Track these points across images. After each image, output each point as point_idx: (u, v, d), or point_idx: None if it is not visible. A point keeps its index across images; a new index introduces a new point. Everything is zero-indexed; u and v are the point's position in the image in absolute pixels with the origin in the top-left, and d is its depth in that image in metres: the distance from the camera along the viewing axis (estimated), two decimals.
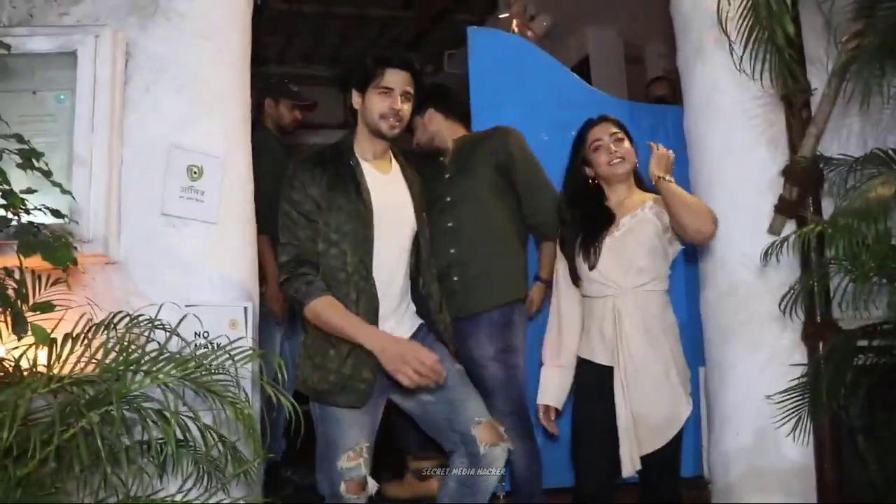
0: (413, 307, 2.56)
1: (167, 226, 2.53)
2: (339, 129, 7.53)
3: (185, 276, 2.52)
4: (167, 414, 1.59)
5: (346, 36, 6.91)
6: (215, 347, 1.90)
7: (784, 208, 2.78)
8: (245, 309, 2.57)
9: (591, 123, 2.78)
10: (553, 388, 2.74)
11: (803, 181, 2.74)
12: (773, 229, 2.81)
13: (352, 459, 2.32)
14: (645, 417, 2.55)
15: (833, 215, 2.53)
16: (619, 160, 2.70)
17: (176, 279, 2.50)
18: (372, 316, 2.37)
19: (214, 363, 1.83)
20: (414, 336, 2.49)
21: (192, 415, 1.79)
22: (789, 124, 2.85)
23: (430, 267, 2.63)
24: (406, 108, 2.50)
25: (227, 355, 1.83)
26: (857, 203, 2.30)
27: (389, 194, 2.51)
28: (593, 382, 2.64)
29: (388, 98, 2.46)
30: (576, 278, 2.70)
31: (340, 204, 2.40)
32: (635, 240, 2.64)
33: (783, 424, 2.68)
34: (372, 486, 2.35)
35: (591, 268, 2.64)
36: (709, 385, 3.04)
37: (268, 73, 3.68)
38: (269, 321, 3.56)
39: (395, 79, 2.47)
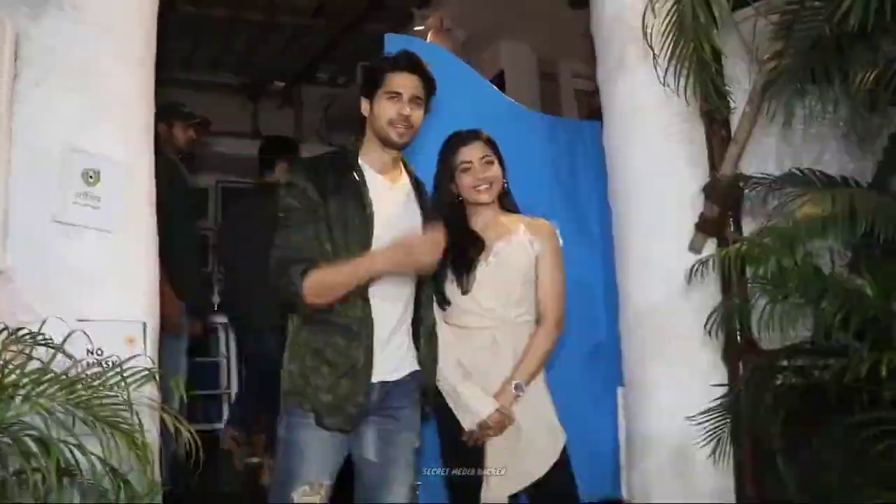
0: (411, 343, 2.40)
1: (60, 234, 2.30)
2: (248, 138, 7.32)
3: (79, 288, 2.30)
4: (49, 443, 1.40)
5: (255, 43, 6.70)
6: (106, 367, 1.71)
7: (705, 226, 2.76)
8: (143, 325, 2.37)
9: (461, 140, 2.63)
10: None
11: (724, 199, 2.72)
12: (694, 247, 2.78)
13: (308, 495, 2.17)
14: (521, 450, 2.45)
15: (755, 234, 2.50)
16: (485, 186, 2.57)
17: (68, 292, 2.28)
18: (368, 340, 2.22)
19: (107, 384, 1.64)
20: (401, 384, 2.34)
21: (79, 442, 1.61)
22: (710, 142, 2.85)
23: (428, 290, 2.46)
24: (417, 114, 2.33)
25: (120, 376, 1.64)
26: (783, 223, 2.27)
27: (398, 208, 2.37)
28: None
29: (396, 103, 2.31)
30: (441, 301, 2.56)
31: (337, 216, 2.24)
32: (512, 269, 2.54)
33: (704, 446, 2.64)
34: None
35: (465, 293, 2.52)
36: (628, 405, 2.98)
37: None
38: (172, 337, 3.38)
39: (404, 82, 2.32)
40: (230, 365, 5.47)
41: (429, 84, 2.39)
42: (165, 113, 3.70)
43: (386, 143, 2.34)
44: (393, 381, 2.32)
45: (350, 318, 2.22)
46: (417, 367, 2.40)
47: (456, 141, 2.64)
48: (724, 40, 2.78)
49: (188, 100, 4.25)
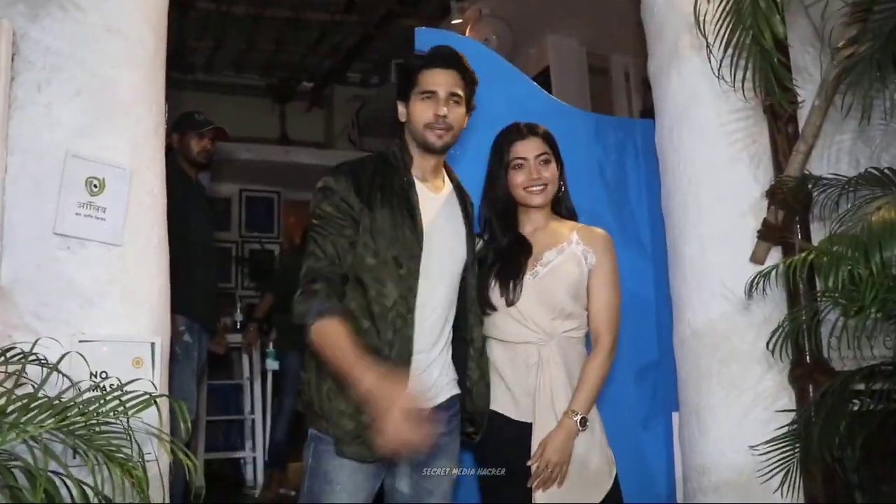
0: (450, 364, 2.39)
1: (61, 248, 2.30)
2: (277, 144, 7.39)
3: (82, 306, 2.30)
4: (35, 474, 1.39)
5: (282, 41, 6.77)
6: (105, 390, 1.70)
7: (768, 234, 2.68)
8: (152, 345, 2.37)
9: (517, 133, 2.59)
10: None
11: (790, 203, 2.64)
12: (756, 257, 2.70)
13: None
14: (570, 480, 2.39)
15: (825, 242, 2.42)
16: (539, 188, 2.54)
17: (70, 310, 2.28)
18: (404, 363, 2.19)
19: (103, 409, 1.63)
20: (439, 410, 2.32)
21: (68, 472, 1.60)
22: (774, 140, 2.77)
23: (476, 308, 2.45)
24: (456, 113, 2.33)
25: (118, 401, 1.63)
26: (856, 228, 2.19)
27: (441, 218, 2.35)
28: (508, 439, 2.45)
29: (432, 103, 2.30)
30: (485, 305, 2.52)
31: (383, 227, 2.23)
32: (562, 280, 2.49)
33: (770, 478, 2.56)
34: None
35: (510, 304, 2.47)
36: (683, 432, 2.92)
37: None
38: (189, 359, 3.40)
39: (439, 80, 2.31)
40: (254, 388, 5.48)
41: (468, 79, 2.37)
42: (177, 122, 3.80)
43: (425, 147, 2.33)
44: (430, 408, 2.28)
45: (382, 342, 2.19)
46: (457, 391, 2.37)
47: (511, 134, 2.60)
48: (791, 26, 2.72)
49: (211, 103, 4.32)
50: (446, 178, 2.47)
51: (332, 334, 2.11)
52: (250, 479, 5.46)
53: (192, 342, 3.60)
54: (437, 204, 2.38)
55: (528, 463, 2.38)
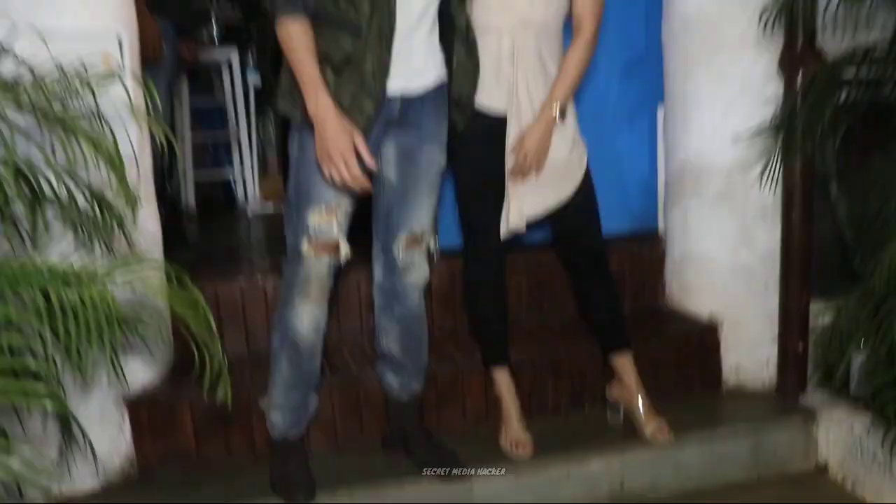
0: (438, 46, 2.33)
1: None
2: None
3: None
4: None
5: None
6: (67, 74, 1.70)
7: None
8: (119, 40, 2.37)
9: None
10: None
11: None
12: None
13: (322, 217, 2.22)
14: (544, 173, 2.46)
15: None
16: None
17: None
18: (386, 39, 2.15)
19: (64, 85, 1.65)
20: (426, 99, 2.31)
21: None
22: None
23: None
24: None
25: (79, 79, 1.66)
26: None
27: None
28: (481, 132, 2.47)
29: None
30: None
31: None
32: None
33: (752, 168, 2.68)
34: (345, 251, 2.26)
35: None
36: (668, 125, 3.01)
37: None
38: (154, 71, 3.37)
39: None
40: (237, 105, 5.47)
41: None
42: None
43: None
44: (417, 96, 2.28)
45: (360, 17, 2.13)
46: (445, 76, 2.35)
47: None
48: None
49: None
50: None
51: (295, 38, 2.10)
52: (242, 199, 5.57)
53: (168, 52, 3.51)
54: None
55: (508, 152, 2.43)
